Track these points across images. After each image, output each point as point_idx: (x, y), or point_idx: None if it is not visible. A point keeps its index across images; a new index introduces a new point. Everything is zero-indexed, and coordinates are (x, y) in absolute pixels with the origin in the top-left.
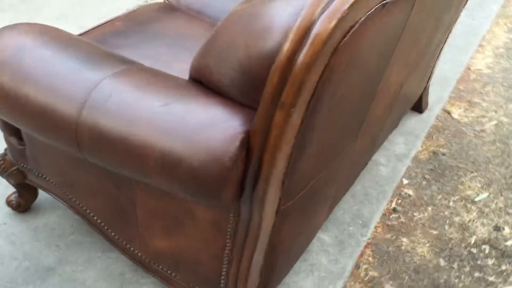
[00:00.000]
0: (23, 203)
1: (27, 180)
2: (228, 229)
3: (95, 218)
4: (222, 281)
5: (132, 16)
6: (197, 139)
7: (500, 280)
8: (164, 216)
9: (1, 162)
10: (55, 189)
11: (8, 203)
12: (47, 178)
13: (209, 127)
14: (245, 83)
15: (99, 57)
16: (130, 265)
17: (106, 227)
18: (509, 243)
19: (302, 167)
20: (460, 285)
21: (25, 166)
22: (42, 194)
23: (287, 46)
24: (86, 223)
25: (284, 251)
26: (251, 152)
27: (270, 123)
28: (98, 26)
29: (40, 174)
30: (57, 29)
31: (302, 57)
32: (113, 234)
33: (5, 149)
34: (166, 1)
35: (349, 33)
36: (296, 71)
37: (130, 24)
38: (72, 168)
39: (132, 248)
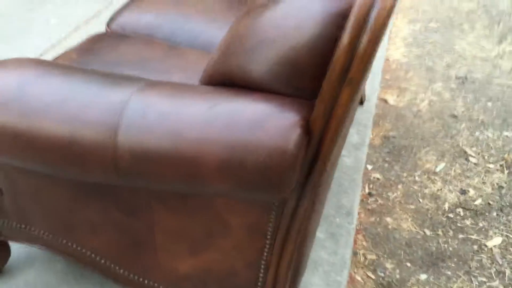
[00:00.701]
0: None
1: (1, 237)
2: (269, 229)
3: (98, 258)
4: (256, 285)
5: (84, 47)
6: (257, 134)
7: (482, 236)
8: (190, 235)
9: None
10: (43, 238)
11: None
12: (33, 229)
13: (266, 120)
14: (289, 73)
15: (111, 77)
16: None
17: (112, 265)
18: (477, 202)
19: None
20: (450, 248)
21: (1, 220)
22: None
23: (351, 26)
24: (84, 267)
25: (309, 245)
26: (310, 138)
27: (334, 103)
28: (54, 59)
29: (22, 226)
30: (44, 60)
31: (368, 32)
32: (121, 271)
33: None
34: (109, 30)
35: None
36: (362, 49)
37: (87, 54)
38: (71, 208)
39: (147, 281)
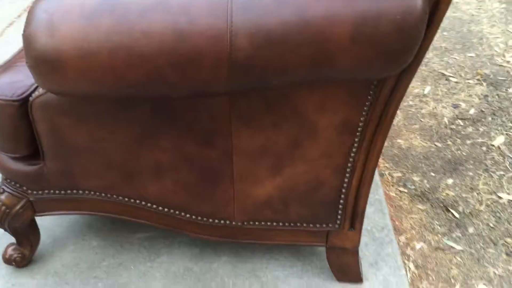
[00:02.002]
0: (28, 251)
1: (37, 215)
2: (359, 124)
3: (159, 208)
4: (341, 199)
5: None
6: None
7: (486, 138)
8: (273, 150)
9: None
10: (90, 201)
11: (8, 260)
12: (80, 192)
13: None
14: None
15: None
16: (193, 257)
17: (177, 212)
18: (471, 112)
19: None
20: (464, 153)
21: (40, 192)
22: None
23: None
24: (139, 222)
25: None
26: None
27: None
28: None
29: (68, 191)
30: None
31: None
32: (187, 215)
33: None
34: None
35: None
36: None
37: None
38: (134, 153)
39: (217, 220)
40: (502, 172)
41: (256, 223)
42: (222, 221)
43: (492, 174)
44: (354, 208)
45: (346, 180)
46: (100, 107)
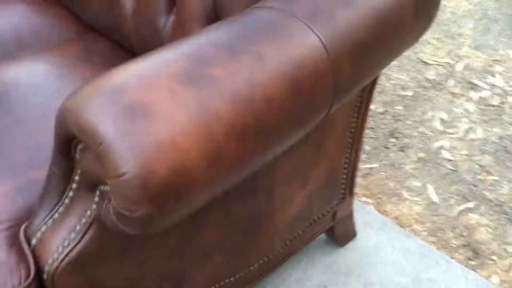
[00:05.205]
0: None
1: None
2: (357, 104)
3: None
4: (344, 174)
5: None
6: None
7: None
8: (303, 161)
9: None
10: None
11: None
12: None
13: None
14: None
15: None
16: None
17: (231, 279)
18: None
19: None
20: None
21: None
22: None
23: None
24: None
25: None
26: None
27: None
28: None
29: None
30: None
31: None
32: (237, 276)
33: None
34: None
35: None
36: None
37: None
38: (181, 249)
39: (261, 261)
40: None
41: (287, 241)
42: (265, 258)
43: None
44: (352, 176)
45: (347, 155)
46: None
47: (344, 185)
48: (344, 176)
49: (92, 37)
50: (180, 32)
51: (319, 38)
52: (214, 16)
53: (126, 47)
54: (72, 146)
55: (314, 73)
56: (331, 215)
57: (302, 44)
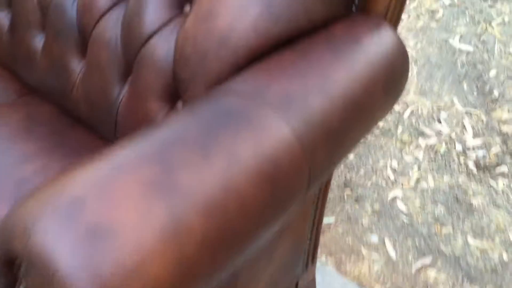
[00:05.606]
0: None
1: None
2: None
3: None
4: (309, 239)
5: None
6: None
7: None
8: (267, 241)
9: None
10: None
11: None
12: None
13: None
14: None
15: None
16: None
17: None
18: None
19: None
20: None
21: None
22: None
23: None
24: None
25: None
26: None
27: None
28: None
29: None
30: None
31: None
32: None
33: None
34: None
35: None
36: None
37: None
38: None
39: None
40: None
41: None
42: None
43: None
44: (315, 244)
45: (311, 223)
46: None
47: (307, 254)
48: (308, 243)
49: (36, 102)
50: (134, 104)
51: (293, 130)
52: (173, 89)
53: (74, 114)
54: (15, 265)
55: (290, 170)
56: (294, 285)
57: (276, 138)
